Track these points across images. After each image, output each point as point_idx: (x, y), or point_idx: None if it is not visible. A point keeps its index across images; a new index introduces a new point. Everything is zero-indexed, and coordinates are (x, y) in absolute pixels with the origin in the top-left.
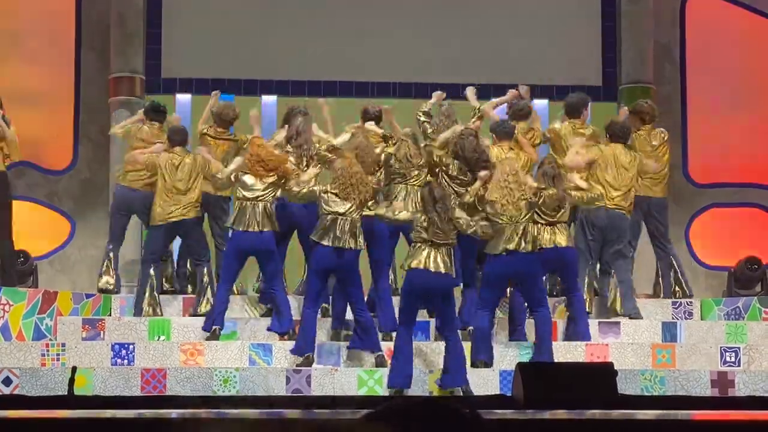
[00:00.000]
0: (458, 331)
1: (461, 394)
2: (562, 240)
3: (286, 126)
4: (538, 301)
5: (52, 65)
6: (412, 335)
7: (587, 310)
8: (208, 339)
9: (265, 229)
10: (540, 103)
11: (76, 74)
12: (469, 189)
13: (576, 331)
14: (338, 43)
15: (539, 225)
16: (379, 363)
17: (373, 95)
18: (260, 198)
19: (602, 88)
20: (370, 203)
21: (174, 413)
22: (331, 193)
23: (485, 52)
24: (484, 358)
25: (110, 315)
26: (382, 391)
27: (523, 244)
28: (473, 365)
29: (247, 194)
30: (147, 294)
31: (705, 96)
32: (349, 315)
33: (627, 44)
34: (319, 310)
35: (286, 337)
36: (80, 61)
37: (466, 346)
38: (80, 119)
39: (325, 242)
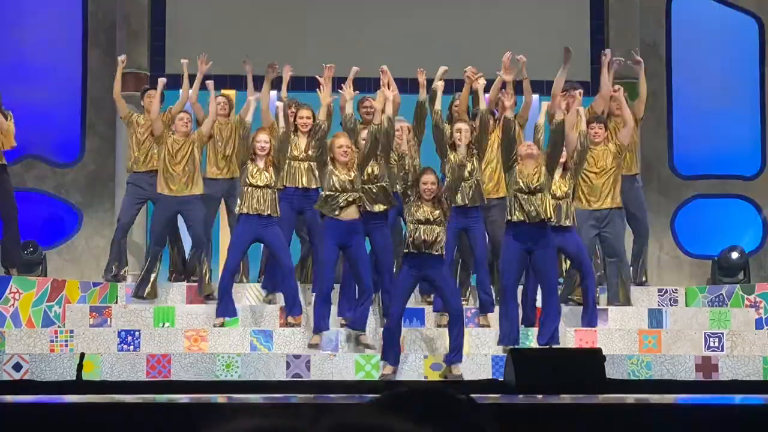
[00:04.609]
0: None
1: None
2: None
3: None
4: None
5: (60, 61)
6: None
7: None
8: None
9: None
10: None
11: (83, 70)
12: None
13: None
14: (336, 39)
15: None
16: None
17: (370, 91)
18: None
19: (590, 83)
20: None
21: (184, 398)
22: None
23: (474, 47)
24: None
25: (116, 303)
26: (378, 375)
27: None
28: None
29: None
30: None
31: (690, 91)
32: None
33: (615, 40)
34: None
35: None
36: (87, 57)
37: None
38: (87, 114)
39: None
